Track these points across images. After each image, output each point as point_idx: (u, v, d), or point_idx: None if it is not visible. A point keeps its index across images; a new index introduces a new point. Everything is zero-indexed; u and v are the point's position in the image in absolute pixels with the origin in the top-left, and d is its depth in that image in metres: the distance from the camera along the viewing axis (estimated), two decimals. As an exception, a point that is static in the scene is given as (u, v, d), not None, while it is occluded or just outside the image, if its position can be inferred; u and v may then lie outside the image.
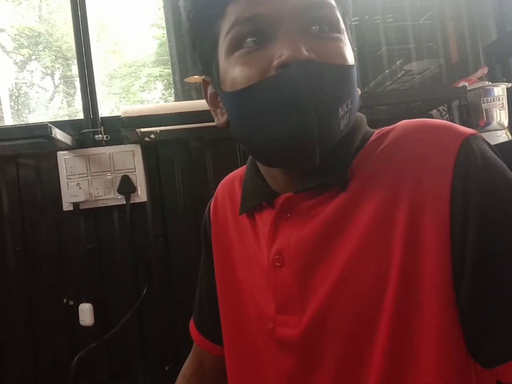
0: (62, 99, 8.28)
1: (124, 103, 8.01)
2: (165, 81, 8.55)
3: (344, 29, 0.61)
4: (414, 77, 2.26)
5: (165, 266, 1.46)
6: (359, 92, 0.64)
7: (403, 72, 2.31)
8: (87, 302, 1.38)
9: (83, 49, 1.43)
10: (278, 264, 0.63)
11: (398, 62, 2.31)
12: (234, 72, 0.59)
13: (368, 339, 0.56)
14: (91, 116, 1.45)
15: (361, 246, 0.57)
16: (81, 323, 1.37)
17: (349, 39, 0.63)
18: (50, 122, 1.24)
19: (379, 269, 0.56)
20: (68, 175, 1.42)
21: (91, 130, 1.44)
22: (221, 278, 0.76)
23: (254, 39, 0.58)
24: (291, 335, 0.62)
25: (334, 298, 0.58)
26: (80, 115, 1.46)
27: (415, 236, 0.54)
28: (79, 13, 1.45)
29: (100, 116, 1.46)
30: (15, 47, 8.48)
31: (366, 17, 2.34)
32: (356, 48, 0.66)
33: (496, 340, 0.52)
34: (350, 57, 0.59)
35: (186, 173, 1.49)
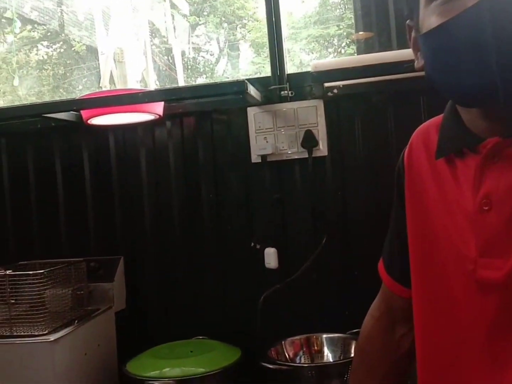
0: (227, 62, 8.69)
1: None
2: (325, 41, 8.49)
3: None
4: None
5: (342, 218, 1.51)
6: None
7: None
8: (272, 247, 1.49)
9: (273, 7, 1.50)
10: (486, 208, 0.65)
11: None
12: (430, 21, 0.62)
13: None
14: (278, 73, 1.52)
15: None
16: (267, 265, 1.49)
17: None
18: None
19: None
20: (257, 130, 1.52)
21: (278, 87, 1.51)
22: (413, 222, 0.79)
23: None
24: (495, 277, 0.63)
25: None
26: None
27: None
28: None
29: (286, 73, 1.53)
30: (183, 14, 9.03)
31: None
32: None
33: None
34: None
35: (367, 128, 1.50)
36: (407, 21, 0.74)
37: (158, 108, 1.44)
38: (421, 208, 0.77)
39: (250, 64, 8.56)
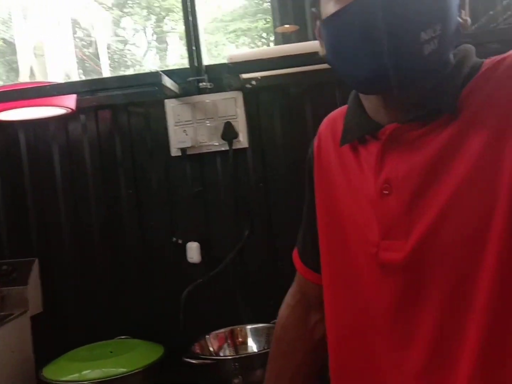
0: (155, 55, 8.53)
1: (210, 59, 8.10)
2: (254, 34, 8.51)
3: None
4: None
5: (265, 209, 1.52)
6: (467, 21, 0.65)
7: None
8: (194, 241, 1.47)
9: (188, -1, 1.47)
10: (386, 192, 0.66)
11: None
12: (328, 7, 0.63)
13: (476, 263, 0.59)
14: (196, 65, 1.50)
15: (470, 174, 0.59)
16: (189, 260, 1.47)
17: None
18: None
19: (487, 197, 0.58)
20: (176, 122, 1.49)
21: (196, 78, 1.49)
22: (322, 210, 0.80)
23: None
24: (396, 258, 0.65)
25: (441, 223, 0.61)
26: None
27: None
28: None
29: (204, 64, 1.51)
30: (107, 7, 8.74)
31: None
32: None
33: None
34: None
35: (286, 119, 1.51)
36: (312, 9, 0.73)
37: (69, 101, 1.38)
38: (330, 196, 0.78)
39: (180, 58, 8.46)
